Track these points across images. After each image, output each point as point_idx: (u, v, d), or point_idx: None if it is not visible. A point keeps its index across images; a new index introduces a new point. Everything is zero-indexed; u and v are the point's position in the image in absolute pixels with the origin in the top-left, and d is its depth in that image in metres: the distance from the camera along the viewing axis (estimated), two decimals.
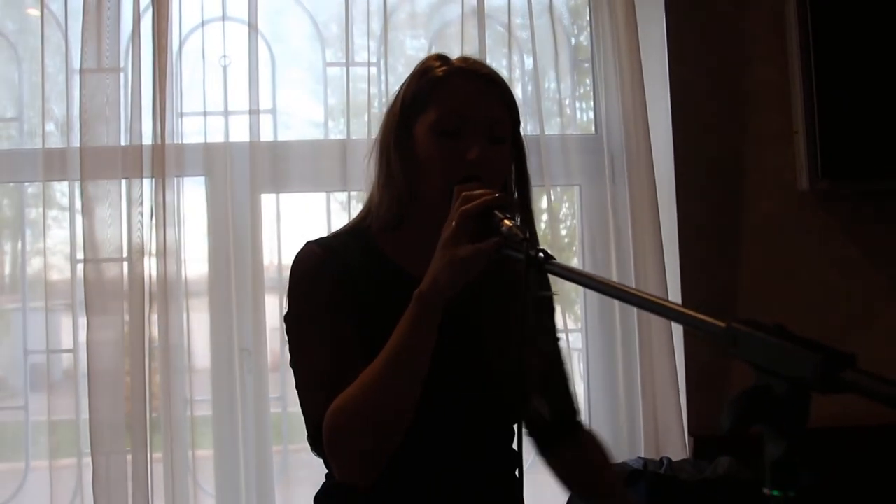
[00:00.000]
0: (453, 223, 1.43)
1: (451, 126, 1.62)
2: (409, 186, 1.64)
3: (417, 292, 1.46)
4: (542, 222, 3.04)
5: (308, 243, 1.67)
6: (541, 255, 1.27)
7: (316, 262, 1.64)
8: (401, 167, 1.65)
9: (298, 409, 1.60)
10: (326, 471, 1.68)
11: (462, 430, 1.62)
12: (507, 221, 1.39)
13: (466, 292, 1.48)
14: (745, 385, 0.77)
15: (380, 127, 1.72)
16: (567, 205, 3.20)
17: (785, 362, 0.76)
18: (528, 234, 1.34)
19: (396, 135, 1.67)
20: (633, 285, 2.78)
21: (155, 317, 2.70)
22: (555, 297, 1.86)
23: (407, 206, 1.65)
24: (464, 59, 1.71)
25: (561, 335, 1.87)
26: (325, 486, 1.73)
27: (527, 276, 1.30)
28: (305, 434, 1.56)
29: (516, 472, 1.68)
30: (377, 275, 1.64)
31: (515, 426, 1.60)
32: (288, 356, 1.63)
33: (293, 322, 1.63)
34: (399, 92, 1.71)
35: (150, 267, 2.71)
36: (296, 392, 1.61)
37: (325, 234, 2.67)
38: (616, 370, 2.95)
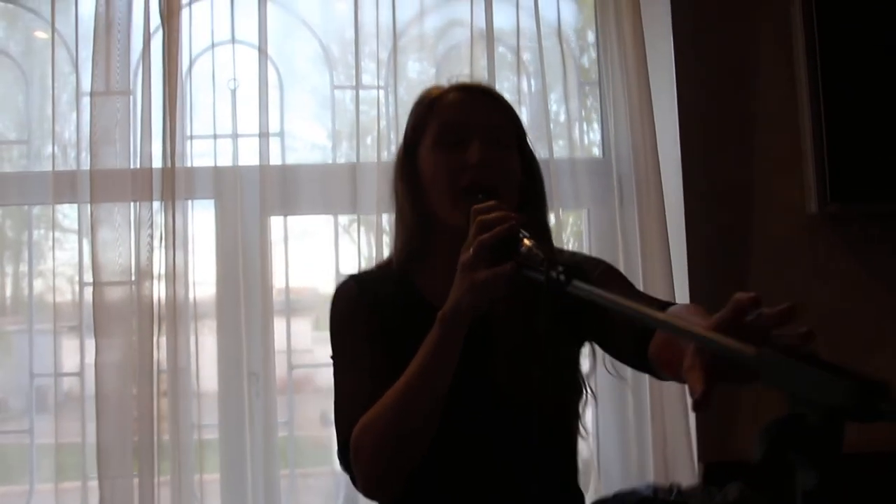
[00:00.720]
0: (471, 250, 1.44)
1: (450, 137, 1.67)
2: (420, 214, 1.69)
3: (440, 314, 1.49)
4: None
5: (346, 278, 1.79)
6: (562, 276, 1.25)
7: (350, 295, 1.74)
8: (409, 196, 1.70)
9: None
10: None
11: (485, 447, 1.64)
12: (526, 241, 1.39)
13: (486, 313, 1.51)
14: (755, 411, 0.77)
15: (393, 173, 1.78)
16: (575, 228, 3.21)
17: (818, 389, 0.75)
18: (547, 255, 1.34)
19: (403, 168, 1.73)
20: None
21: (163, 340, 2.70)
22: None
23: (424, 234, 1.70)
24: (458, 81, 1.78)
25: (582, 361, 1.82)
26: None
27: (546, 298, 1.33)
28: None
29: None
30: (404, 305, 1.70)
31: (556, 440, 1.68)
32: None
33: (333, 352, 1.72)
34: (404, 132, 1.78)
35: (159, 290, 2.71)
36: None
37: (335, 258, 2.80)
38: (625, 394, 2.94)
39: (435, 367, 1.50)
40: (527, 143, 1.76)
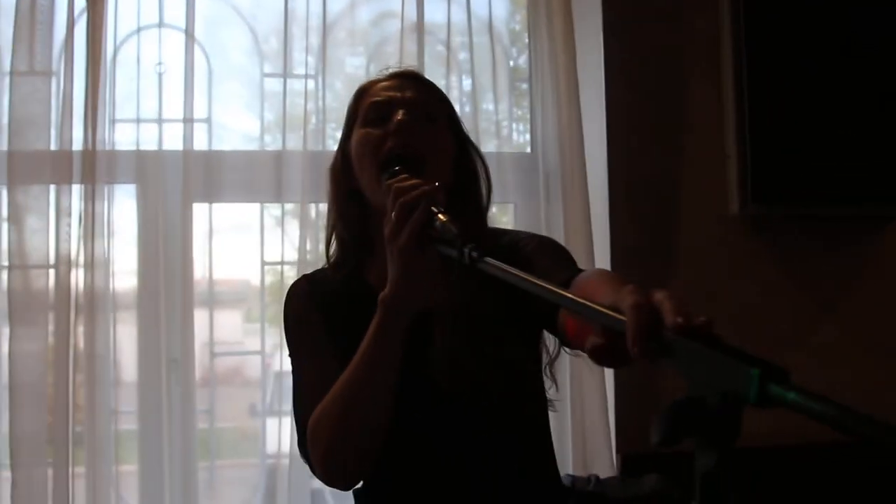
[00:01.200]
0: (394, 226, 1.42)
1: (375, 114, 1.67)
2: (356, 204, 1.70)
3: (381, 298, 1.48)
4: None
5: (299, 278, 1.85)
6: (473, 253, 1.24)
7: (301, 293, 1.78)
8: (344, 186, 1.71)
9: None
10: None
11: (429, 444, 1.64)
12: (441, 216, 1.37)
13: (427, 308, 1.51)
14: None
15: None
16: (503, 222, 3.16)
17: (718, 373, 0.75)
18: (460, 230, 1.32)
19: (337, 160, 1.75)
20: None
21: (81, 328, 2.67)
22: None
23: (363, 225, 1.71)
24: (392, 71, 1.78)
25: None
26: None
27: (459, 273, 1.30)
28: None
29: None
30: (353, 299, 1.69)
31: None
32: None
33: (290, 350, 1.75)
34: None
35: (78, 277, 2.68)
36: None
37: (260, 246, 2.81)
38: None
39: (379, 354, 1.49)
40: (461, 127, 1.76)
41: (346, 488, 1.66)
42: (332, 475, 1.60)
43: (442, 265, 1.42)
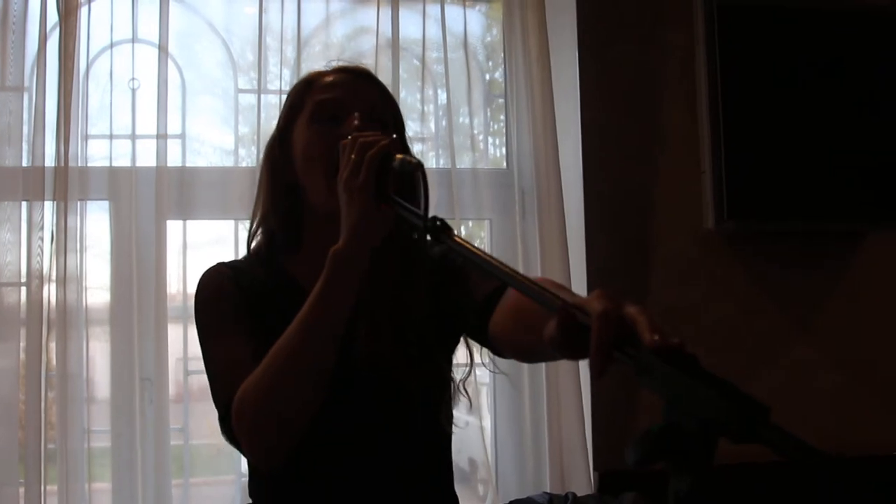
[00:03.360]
0: (353, 167, 1.40)
1: (327, 113, 1.63)
2: (292, 198, 1.66)
3: (333, 251, 1.43)
4: None
5: (215, 264, 1.72)
6: (438, 222, 1.21)
7: (220, 275, 1.68)
8: (280, 179, 1.67)
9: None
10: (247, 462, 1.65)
11: (370, 408, 1.62)
12: (398, 156, 1.35)
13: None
14: (652, 421, 0.79)
15: (262, 157, 1.76)
16: (477, 239, 3.27)
17: (697, 401, 0.77)
18: (419, 168, 1.30)
19: (273, 151, 1.70)
20: None
21: (53, 345, 2.69)
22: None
23: (297, 220, 1.67)
24: (339, 64, 1.75)
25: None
26: (252, 480, 1.74)
27: (424, 235, 1.24)
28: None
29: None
30: (275, 288, 1.66)
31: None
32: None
33: (203, 328, 1.64)
34: (279, 115, 1.75)
35: (50, 293, 2.70)
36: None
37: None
38: (523, 404, 3.01)
39: (324, 313, 1.44)
40: (405, 137, 1.70)
41: (269, 465, 1.56)
42: (259, 447, 1.50)
43: (386, 238, 1.42)
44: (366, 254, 1.44)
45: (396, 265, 1.62)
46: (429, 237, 1.23)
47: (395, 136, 1.44)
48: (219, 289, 1.64)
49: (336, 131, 1.57)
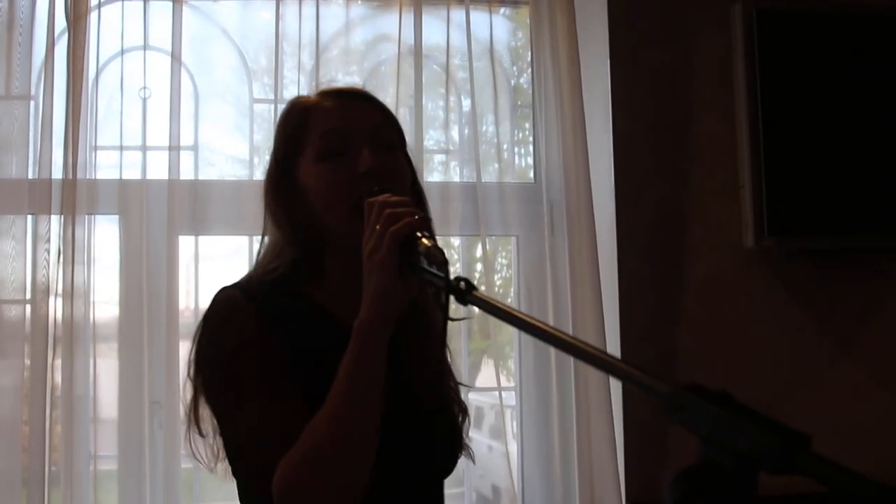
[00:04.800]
0: (383, 245, 1.39)
1: (333, 146, 1.62)
2: (311, 231, 1.63)
3: (357, 325, 1.42)
4: (476, 272, 3.09)
5: (225, 288, 1.62)
6: (462, 283, 1.22)
7: (243, 308, 1.57)
8: (293, 214, 1.63)
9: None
10: None
11: (411, 469, 1.61)
12: (424, 241, 1.36)
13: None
14: (685, 449, 0.79)
15: (263, 190, 1.71)
16: (503, 256, 3.25)
17: (734, 436, 0.76)
18: (445, 257, 1.32)
19: (279, 186, 1.67)
20: None
21: (59, 362, 2.67)
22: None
23: (318, 252, 1.64)
24: (330, 87, 1.74)
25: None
26: None
27: (447, 303, 1.28)
28: (219, 493, 1.53)
29: None
30: (310, 321, 1.61)
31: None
32: (186, 406, 1.60)
33: (226, 378, 1.54)
34: (273, 145, 1.72)
35: (56, 309, 2.68)
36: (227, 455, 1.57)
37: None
38: (551, 430, 2.98)
39: (365, 384, 1.42)
40: (406, 148, 1.72)
41: None
42: None
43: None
44: (390, 323, 1.44)
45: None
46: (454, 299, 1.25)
47: (422, 215, 1.44)
48: (240, 329, 1.55)
49: (347, 168, 1.58)
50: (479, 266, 3.13)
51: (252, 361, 1.52)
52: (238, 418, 1.51)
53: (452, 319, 1.51)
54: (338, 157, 1.60)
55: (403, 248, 1.38)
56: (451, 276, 1.25)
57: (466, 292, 1.22)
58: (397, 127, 1.71)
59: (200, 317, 1.61)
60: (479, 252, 3.05)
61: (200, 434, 1.60)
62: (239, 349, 1.53)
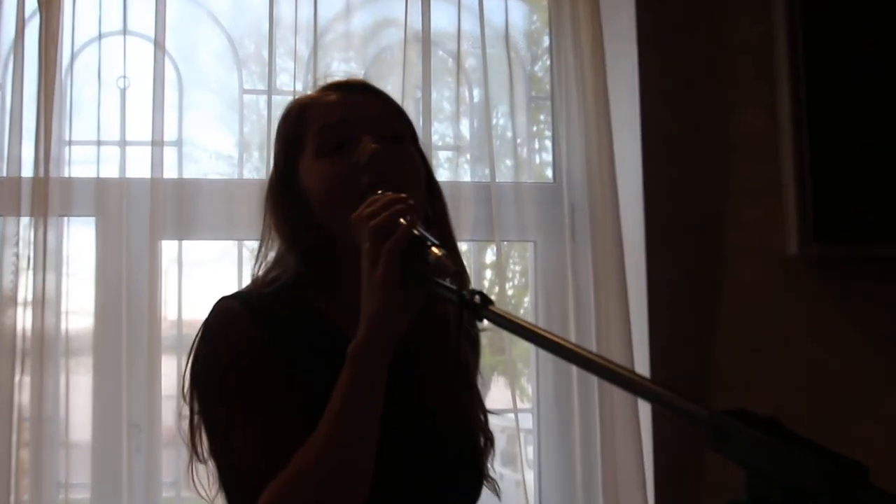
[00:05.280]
0: (379, 265, 1.37)
1: (332, 139, 1.60)
2: (316, 235, 1.61)
3: (352, 350, 1.41)
4: (485, 280, 3.11)
5: (224, 299, 1.61)
6: (477, 297, 1.21)
7: (241, 320, 1.57)
8: (296, 219, 1.63)
9: (194, 495, 1.59)
10: None
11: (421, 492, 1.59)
12: (435, 250, 1.32)
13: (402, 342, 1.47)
14: (724, 481, 0.86)
15: (264, 199, 1.71)
16: (519, 263, 3.26)
17: (785, 468, 0.75)
18: (460, 267, 1.34)
19: (280, 192, 1.66)
20: None
21: (26, 379, 2.63)
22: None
23: (324, 257, 1.62)
24: (328, 81, 1.73)
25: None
26: None
27: (461, 319, 1.27)
28: None
29: None
30: (311, 333, 1.61)
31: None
32: (184, 432, 1.59)
33: (221, 393, 1.55)
34: (274, 152, 1.73)
35: (24, 319, 2.65)
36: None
37: (238, 285, 2.78)
38: (573, 457, 2.96)
39: (358, 413, 1.41)
40: (419, 144, 1.71)
41: None
42: None
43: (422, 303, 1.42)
44: (390, 345, 1.41)
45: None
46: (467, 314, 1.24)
47: (410, 205, 1.42)
48: (237, 343, 1.56)
49: (349, 161, 1.56)
50: (488, 273, 3.14)
51: (246, 378, 1.53)
52: (229, 437, 1.51)
53: (467, 331, 1.60)
54: (336, 151, 1.59)
55: (407, 258, 1.35)
56: (465, 291, 1.24)
57: (482, 307, 1.21)
58: (405, 119, 1.69)
59: (185, 329, 1.68)
60: (488, 257, 3.08)
61: (200, 460, 1.60)
62: (234, 364, 1.54)
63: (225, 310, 1.58)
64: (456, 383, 1.64)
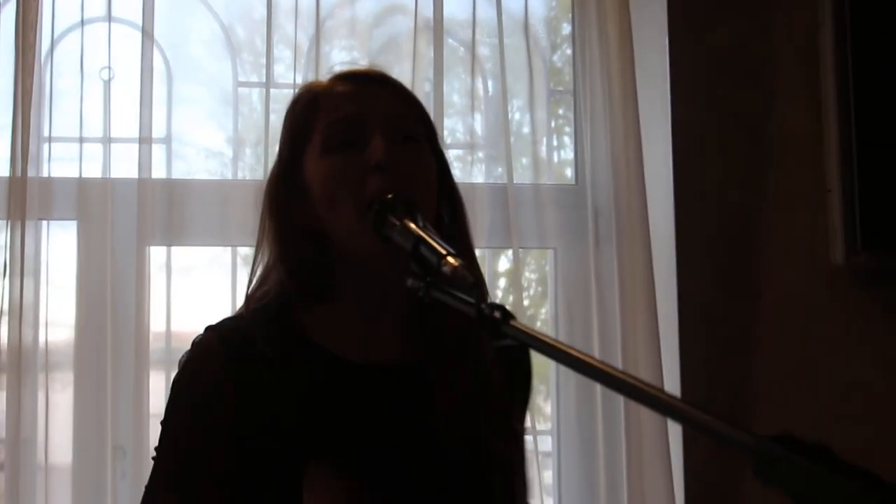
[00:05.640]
0: None
1: (341, 136, 1.56)
2: (313, 242, 1.58)
3: None
4: (498, 290, 3.11)
5: (207, 330, 1.59)
6: (497, 311, 1.17)
7: (212, 361, 1.56)
8: (294, 220, 1.60)
9: None
10: None
11: None
12: (451, 259, 1.28)
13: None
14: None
15: (264, 194, 1.69)
16: (537, 272, 3.24)
17: (837, 499, 0.75)
18: (479, 280, 1.31)
19: (280, 188, 1.64)
20: None
21: (2, 396, 2.61)
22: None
23: (321, 267, 1.59)
24: (343, 69, 1.69)
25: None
26: None
27: (480, 335, 1.29)
28: None
29: None
30: (299, 366, 1.56)
31: None
32: None
33: (161, 439, 1.56)
34: (279, 142, 1.70)
35: None
36: None
37: (232, 294, 2.80)
38: (596, 484, 2.93)
39: None
40: (438, 143, 1.67)
41: None
42: None
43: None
44: None
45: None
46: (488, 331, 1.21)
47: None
48: (199, 396, 1.56)
49: (357, 162, 1.53)
50: (502, 282, 3.11)
51: (193, 442, 1.54)
52: (152, 493, 1.54)
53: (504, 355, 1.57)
54: (345, 149, 1.55)
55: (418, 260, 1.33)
56: (485, 307, 1.20)
57: (502, 323, 1.17)
58: (424, 117, 1.66)
59: (174, 342, 1.91)
60: (501, 265, 3.06)
61: None
62: (185, 424, 1.56)
63: (200, 349, 1.57)
64: (475, 410, 1.59)
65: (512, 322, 1.16)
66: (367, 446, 1.49)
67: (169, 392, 1.59)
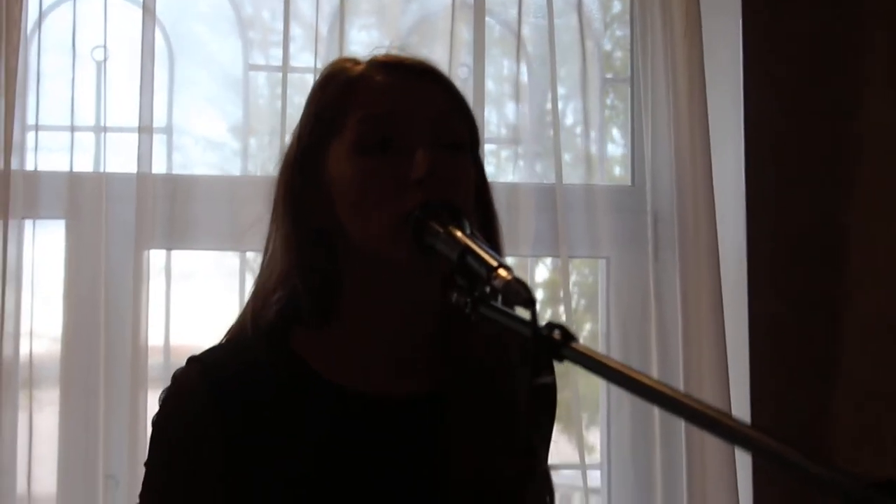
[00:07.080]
0: None
1: (378, 135, 1.52)
2: (328, 244, 1.56)
3: None
4: (538, 302, 3.02)
5: (189, 362, 1.58)
6: (556, 331, 1.13)
7: (190, 400, 1.56)
8: (309, 217, 1.57)
9: None
10: None
11: None
12: (502, 272, 1.24)
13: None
14: None
15: (276, 183, 1.66)
16: (588, 283, 3.27)
17: None
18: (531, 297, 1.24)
19: (297, 175, 1.59)
20: None
21: None
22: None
23: (334, 275, 1.57)
24: (386, 54, 1.64)
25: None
26: None
27: (535, 362, 1.19)
28: None
29: None
30: (297, 400, 1.55)
31: None
32: None
33: (146, 475, 1.57)
34: (299, 123, 1.66)
35: None
36: None
37: (240, 303, 2.65)
38: None
39: None
40: (479, 150, 1.66)
41: None
42: None
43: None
44: None
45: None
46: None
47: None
48: (172, 441, 1.56)
49: (395, 168, 1.50)
50: (540, 294, 3.12)
51: (166, 493, 1.55)
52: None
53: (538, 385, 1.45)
54: (383, 151, 1.52)
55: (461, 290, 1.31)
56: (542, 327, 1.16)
57: (563, 345, 1.13)
58: (470, 120, 1.62)
59: (174, 357, 1.92)
60: (539, 274, 3.07)
61: None
62: (161, 465, 1.57)
63: (180, 384, 1.57)
64: (496, 451, 1.55)
65: (573, 345, 1.13)
66: (369, 488, 1.48)
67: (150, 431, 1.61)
